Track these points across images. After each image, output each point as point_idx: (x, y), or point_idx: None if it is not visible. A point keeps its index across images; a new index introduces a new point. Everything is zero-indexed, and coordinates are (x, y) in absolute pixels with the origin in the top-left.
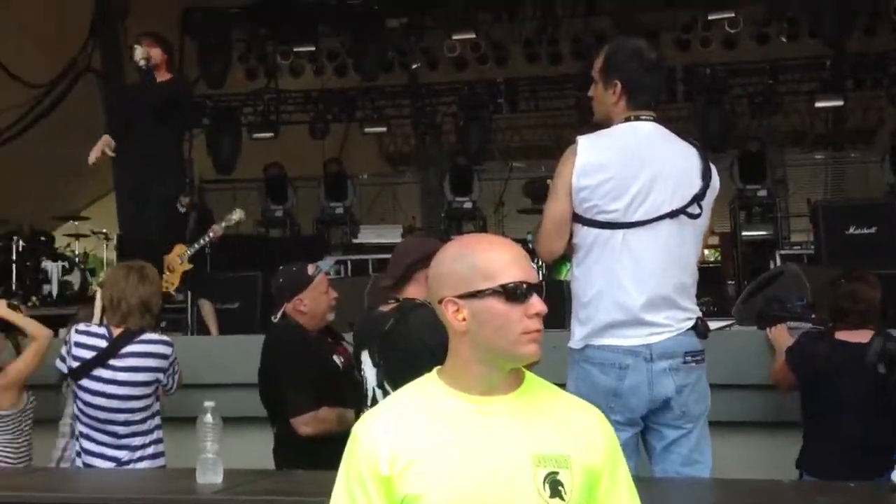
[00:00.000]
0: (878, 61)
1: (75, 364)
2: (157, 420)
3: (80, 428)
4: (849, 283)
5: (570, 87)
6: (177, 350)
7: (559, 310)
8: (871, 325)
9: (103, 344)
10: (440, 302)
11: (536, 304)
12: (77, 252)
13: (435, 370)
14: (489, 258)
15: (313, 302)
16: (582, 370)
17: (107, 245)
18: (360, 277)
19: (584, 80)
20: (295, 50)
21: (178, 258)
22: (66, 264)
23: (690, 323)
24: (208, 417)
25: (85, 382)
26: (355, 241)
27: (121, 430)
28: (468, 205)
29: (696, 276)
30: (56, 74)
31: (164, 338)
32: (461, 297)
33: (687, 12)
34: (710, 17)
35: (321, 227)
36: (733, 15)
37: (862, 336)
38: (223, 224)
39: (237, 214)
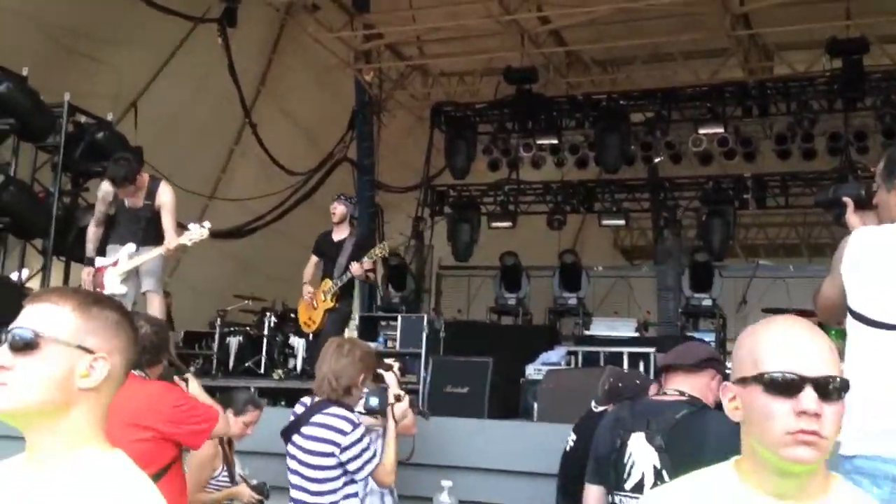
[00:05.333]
0: None
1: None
2: (350, 501)
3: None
4: None
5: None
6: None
7: None
8: None
9: (301, 410)
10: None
11: (806, 399)
12: None
13: (734, 459)
14: (762, 340)
15: None
16: (851, 481)
17: (349, 324)
18: (593, 369)
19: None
20: (538, 142)
21: (323, 294)
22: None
23: None
24: (444, 497)
25: (288, 445)
26: (587, 332)
27: (309, 498)
28: (707, 302)
29: None
30: (316, 163)
31: (350, 416)
32: (735, 382)
33: None
34: None
35: (553, 316)
36: None
37: None
38: (367, 258)
39: (383, 247)
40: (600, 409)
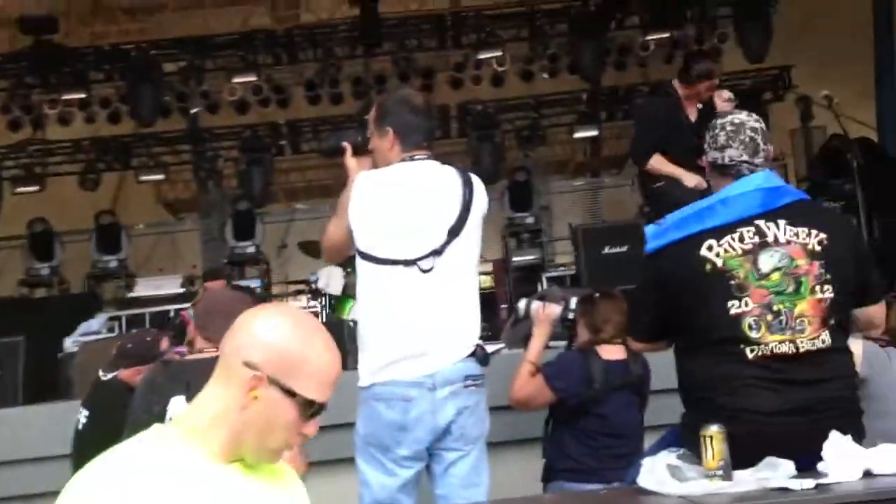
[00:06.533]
0: (628, 94)
1: None
2: None
3: None
4: (600, 300)
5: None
6: None
7: (339, 349)
8: (619, 339)
9: None
10: (246, 364)
11: (314, 428)
12: None
13: (176, 422)
14: (320, 367)
15: None
16: (369, 408)
17: None
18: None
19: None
20: (64, 97)
21: None
22: None
23: (470, 350)
24: None
25: None
26: (131, 294)
27: None
28: (251, 249)
29: (473, 303)
30: None
31: None
32: (271, 379)
33: (459, 52)
34: (479, 57)
35: (93, 282)
36: (500, 54)
37: (618, 352)
38: None
39: None
40: (109, 375)
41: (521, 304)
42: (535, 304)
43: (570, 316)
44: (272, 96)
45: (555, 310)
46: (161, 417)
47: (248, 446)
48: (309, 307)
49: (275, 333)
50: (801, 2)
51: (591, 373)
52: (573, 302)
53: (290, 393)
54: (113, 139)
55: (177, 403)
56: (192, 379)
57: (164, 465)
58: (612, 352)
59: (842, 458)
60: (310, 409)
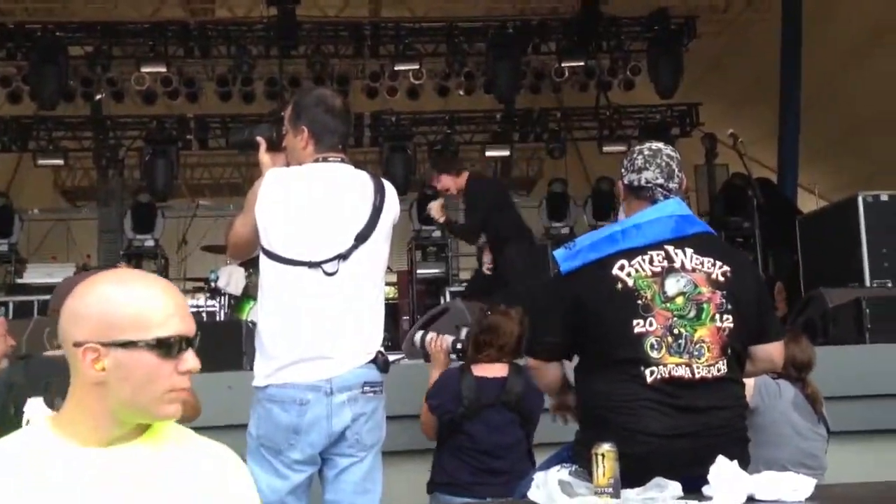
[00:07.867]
0: (540, 117)
1: None
2: None
3: None
4: (491, 317)
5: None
6: None
7: (236, 349)
8: (506, 358)
9: None
10: (75, 345)
11: (190, 360)
12: None
13: (48, 418)
14: (147, 305)
15: None
16: (263, 409)
17: None
18: (21, 320)
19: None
20: None
21: None
22: None
23: (370, 356)
24: None
25: None
26: (20, 280)
27: None
28: (150, 243)
29: (377, 309)
30: None
31: None
32: (105, 344)
33: (376, 62)
34: (396, 68)
35: None
36: (417, 67)
37: (498, 370)
38: None
39: None
40: None
41: (417, 337)
42: (429, 337)
43: (459, 346)
44: (181, 89)
45: (447, 340)
46: (17, 420)
47: (129, 414)
48: (207, 306)
49: (84, 302)
50: (712, 42)
51: (461, 390)
52: (464, 332)
53: (132, 344)
54: (11, 119)
55: (34, 405)
56: (51, 379)
57: (29, 456)
58: (489, 369)
59: (727, 482)
60: (169, 346)
